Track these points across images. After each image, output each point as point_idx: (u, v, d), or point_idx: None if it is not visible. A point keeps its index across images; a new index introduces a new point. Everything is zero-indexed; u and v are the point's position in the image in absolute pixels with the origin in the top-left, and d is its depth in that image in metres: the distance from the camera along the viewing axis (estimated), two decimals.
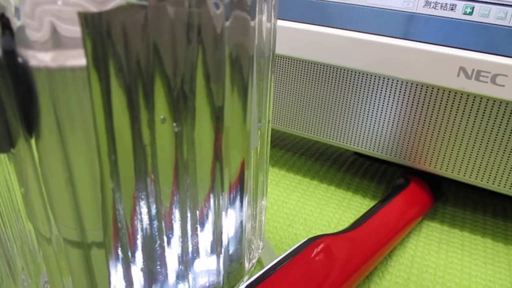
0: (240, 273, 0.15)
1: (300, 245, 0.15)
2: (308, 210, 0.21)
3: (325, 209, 0.22)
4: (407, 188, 0.20)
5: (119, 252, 0.10)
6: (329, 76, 0.21)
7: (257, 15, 0.11)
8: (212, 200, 0.12)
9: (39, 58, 0.08)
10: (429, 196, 0.21)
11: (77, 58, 0.08)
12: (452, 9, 0.18)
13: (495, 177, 0.19)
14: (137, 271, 0.11)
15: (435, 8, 0.18)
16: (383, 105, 0.20)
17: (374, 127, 0.21)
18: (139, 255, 0.11)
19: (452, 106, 0.18)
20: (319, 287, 0.14)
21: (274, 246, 0.19)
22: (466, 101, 0.18)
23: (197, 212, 0.12)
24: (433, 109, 0.19)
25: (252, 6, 0.11)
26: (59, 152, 0.09)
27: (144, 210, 0.10)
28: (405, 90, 0.19)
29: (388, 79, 0.20)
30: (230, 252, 0.14)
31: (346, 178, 0.25)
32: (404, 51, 0.19)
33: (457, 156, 0.19)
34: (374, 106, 0.20)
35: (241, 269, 0.15)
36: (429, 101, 0.19)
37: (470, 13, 0.17)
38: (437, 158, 0.20)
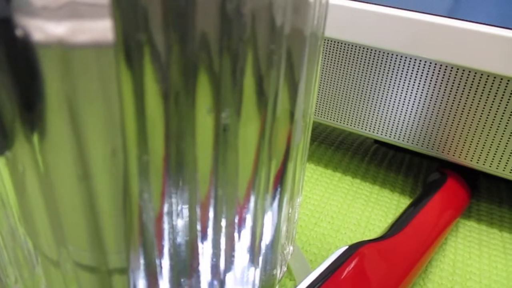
0: (272, 284, 0.13)
1: (342, 255, 0.13)
2: (334, 206, 0.19)
3: (352, 205, 0.20)
4: (445, 184, 0.19)
5: (145, 278, 0.08)
6: (353, 56, 0.19)
7: None
8: (252, 202, 0.10)
9: (48, 30, 0.06)
10: (468, 193, 0.19)
11: (102, 33, 0.06)
12: None
13: None
14: None
15: None
16: (416, 90, 0.18)
17: (401, 114, 0.19)
18: (166, 277, 0.09)
19: (489, 91, 0.16)
20: None
21: (302, 248, 0.17)
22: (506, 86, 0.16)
23: (236, 217, 0.10)
24: (468, 95, 0.17)
25: None
26: (72, 155, 0.07)
27: (177, 226, 0.08)
28: (438, 73, 0.17)
29: (421, 60, 0.17)
30: (266, 260, 0.12)
31: (371, 170, 0.23)
32: (452, 32, 0.16)
33: (497, 149, 0.17)
34: (403, 90, 0.18)
35: (273, 279, 0.13)
36: (466, 85, 0.17)
37: None
38: (475, 150, 0.18)
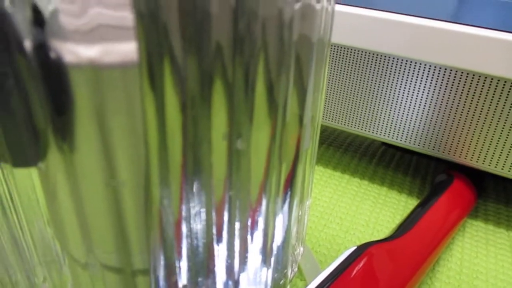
0: (283, 283, 0.14)
1: (351, 255, 0.13)
2: (343, 208, 0.20)
3: (360, 207, 0.20)
4: (452, 185, 0.19)
5: (166, 278, 0.09)
6: (360, 62, 0.19)
7: None
8: (264, 205, 0.11)
9: (79, 53, 0.06)
10: (474, 194, 0.19)
11: (128, 54, 0.06)
12: None
13: None
14: None
15: None
16: (422, 93, 0.18)
17: (408, 117, 0.19)
18: (184, 276, 0.09)
19: (493, 94, 0.17)
20: None
21: (312, 249, 0.17)
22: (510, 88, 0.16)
23: (248, 220, 0.10)
24: (473, 97, 0.17)
25: None
26: (101, 164, 0.07)
27: (194, 229, 0.09)
28: (443, 77, 0.18)
29: (425, 64, 0.18)
30: (278, 261, 0.12)
31: (379, 172, 0.23)
32: (456, 36, 0.17)
33: (502, 150, 0.18)
34: (409, 93, 0.19)
35: (285, 279, 0.14)
36: (470, 88, 0.17)
37: None
38: (480, 152, 0.18)
